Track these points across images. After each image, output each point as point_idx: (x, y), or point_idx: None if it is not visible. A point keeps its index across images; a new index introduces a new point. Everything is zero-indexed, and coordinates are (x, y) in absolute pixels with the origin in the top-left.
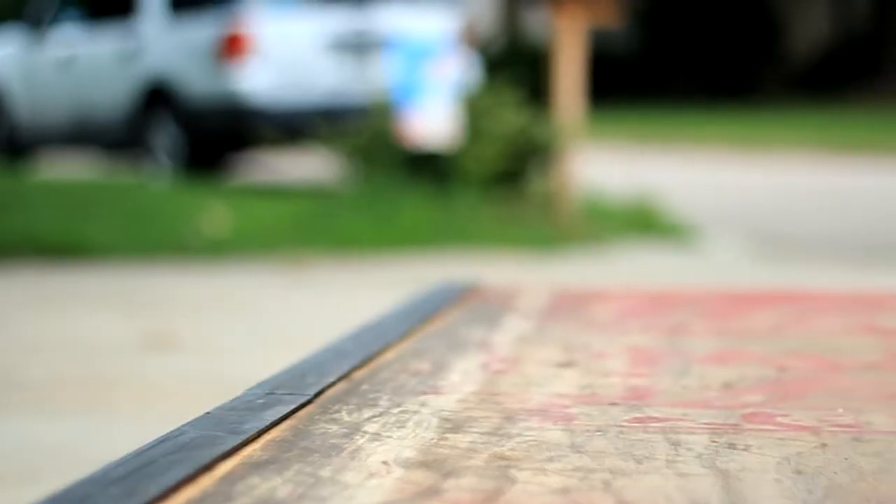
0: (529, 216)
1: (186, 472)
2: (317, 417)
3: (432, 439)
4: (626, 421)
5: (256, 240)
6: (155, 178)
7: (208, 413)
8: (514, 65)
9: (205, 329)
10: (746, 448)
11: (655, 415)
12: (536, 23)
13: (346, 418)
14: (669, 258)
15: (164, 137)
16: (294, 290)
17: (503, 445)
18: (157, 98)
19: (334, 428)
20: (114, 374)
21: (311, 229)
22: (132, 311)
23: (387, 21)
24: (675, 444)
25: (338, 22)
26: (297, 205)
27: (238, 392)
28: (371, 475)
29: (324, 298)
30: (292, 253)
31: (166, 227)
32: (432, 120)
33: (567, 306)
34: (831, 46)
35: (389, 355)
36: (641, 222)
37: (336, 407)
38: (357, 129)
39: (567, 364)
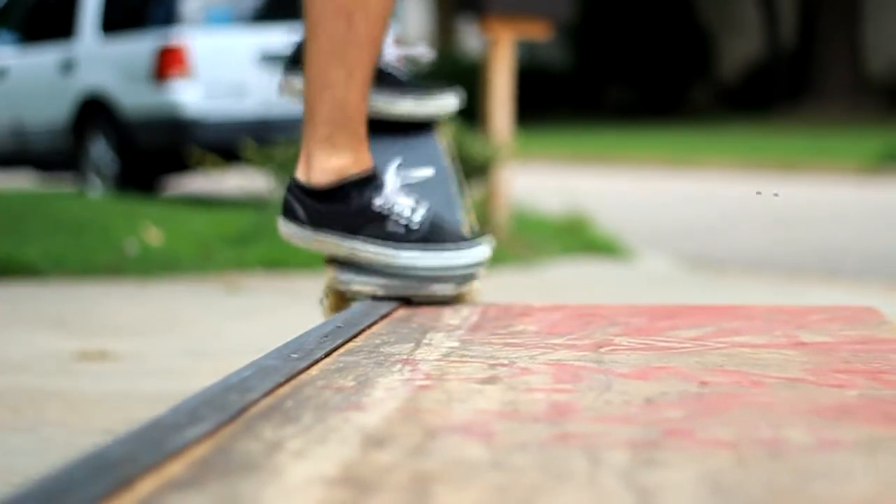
0: None
1: (105, 490)
2: (239, 435)
3: (354, 456)
4: (547, 437)
5: (190, 255)
6: (90, 190)
7: (130, 431)
8: (445, 79)
9: (138, 345)
10: (665, 464)
11: (577, 431)
12: (472, 38)
13: (269, 436)
14: (601, 273)
15: (100, 153)
16: (227, 306)
17: (424, 462)
18: (93, 111)
19: (257, 445)
20: (44, 389)
21: (244, 244)
22: (65, 328)
23: None
24: (595, 461)
25: (270, 37)
26: (230, 218)
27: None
28: (292, 493)
29: (257, 314)
30: (225, 268)
31: (99, 243)
32: None
33: (492, 322)
34: (761, 64)
35: (314, 372)
36: (574, 238)
37: (259, 424)
38: (288, 141)
39: (490, 380)
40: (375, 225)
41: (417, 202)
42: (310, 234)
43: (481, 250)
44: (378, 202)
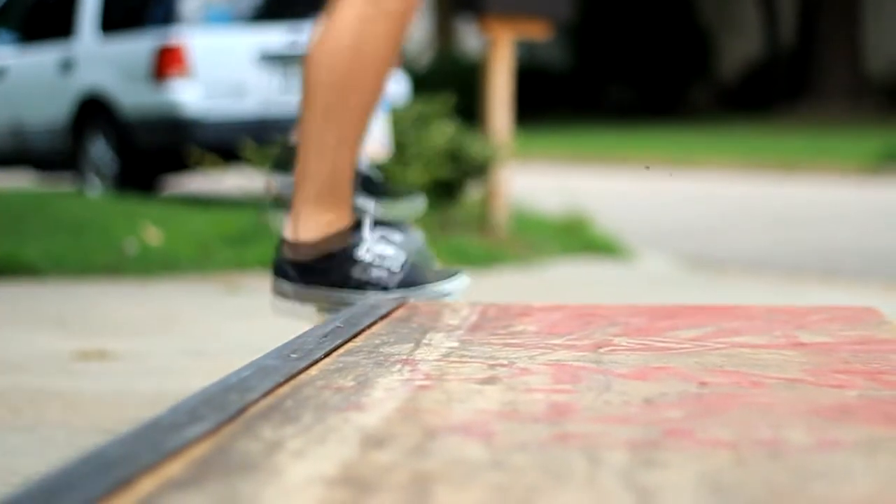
0: (462, 231)
1: (105, 489)
2: (239, 435)
3: (354, 456)
4: (546, 437)
5: (189, 255)
6: (90, 189)
7: (130, 430)
8: (444, 79)
9: (137, 345)
10: (665, 464)
11: (576, 431)
12: (472, 38)
13: (269, 435)
14: (600, 273)
15: (99, 152)
16: (226, 305)
17: (424, 462)
18: (93, 111)
19: (256, 445)
20: (43, 389)
21: (244, 243)
22: (64, 328)
23: None
24: (595, 461)
25: (269, 36)
26: (230, 218)
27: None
28: (291, 493)
29: (256, 313)
30: (225, 268)
31: (98, 242)
32: None
33: (492, 322)
34: (760, 64)
35: (314, 372)
36: (573, 238)
37: (259, 424)
38: (286, 141)
39: (490, 380)
40: (361, 275)
41: (396, 249)
42: (301, 291)
43: (460, 281)
44: (361, 254)
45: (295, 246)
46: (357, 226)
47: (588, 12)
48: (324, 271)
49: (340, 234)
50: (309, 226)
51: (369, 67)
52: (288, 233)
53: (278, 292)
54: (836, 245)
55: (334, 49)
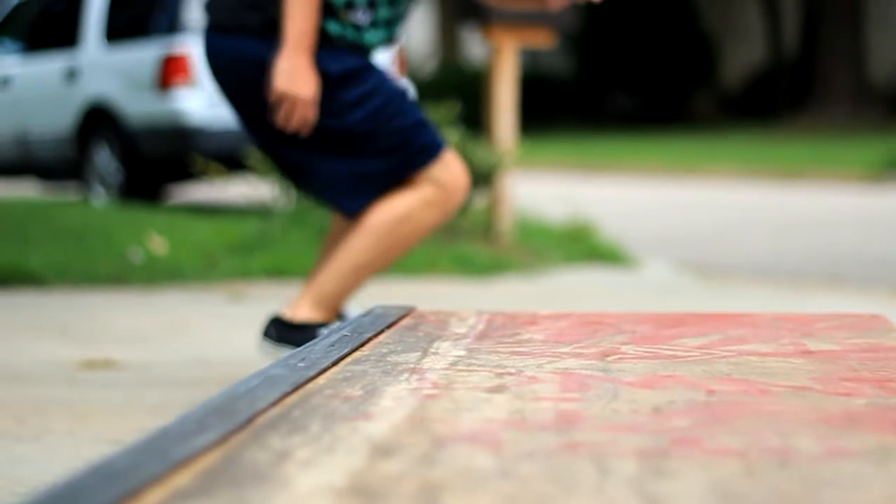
0: (467, 239)
1: (112, 500)
2: (247, 444)
3: (362, 466)
4: (555, 446)
5: (194, 263)
6: (94, 198)
7: (137, 440)
8: (449, 87)
9: (142, 354)
10: (674, 473)
11: (584, 440)
12: (476, 46)
13: (277, 445)
14: (605, 281)
15: (104, 161)
16: (231, 314)
17: (432, 471)
18: (98, 120)
19: (264, 455)
20: (48, 398)
21: (248, 252)
22: (68, 337)
23: None
24: (603, 470)
25: None
26: (234, 227)
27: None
28: (299, 503)
29: (262, 322)
30: (229, 277)
31: (103, 251)
32: None
33: (499, 331)
34: (764, 72)
35: (321, 381)
36: (577, 246)
37: (267, 433)
38: None
39: (497, 389)
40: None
41: None
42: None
43: None
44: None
45: (288, 324)
46: (341, 318)
47: (591, 20)
48: (295, 342)
49: (315, 327)
50: (305, 315)
51: (409, 238)
52: (287, 312)
53: (263, 348)
54: (841, 252)
55: (393, 214)
